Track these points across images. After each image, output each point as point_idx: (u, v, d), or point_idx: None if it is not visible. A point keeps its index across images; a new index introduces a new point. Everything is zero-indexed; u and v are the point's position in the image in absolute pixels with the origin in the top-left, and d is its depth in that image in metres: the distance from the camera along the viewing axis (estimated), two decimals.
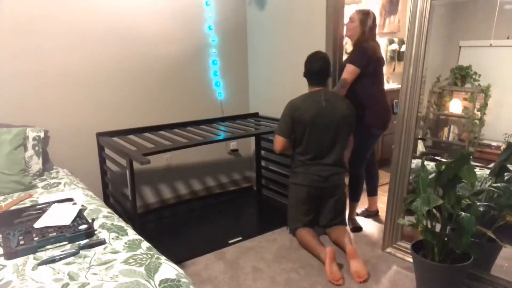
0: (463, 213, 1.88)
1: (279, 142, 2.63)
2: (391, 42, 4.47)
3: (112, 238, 1.67)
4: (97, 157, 2.94)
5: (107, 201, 2.95)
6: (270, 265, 2.45)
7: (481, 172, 2.19)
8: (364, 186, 3.06)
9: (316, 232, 2.65)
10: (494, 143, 2.53)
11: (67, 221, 1.77)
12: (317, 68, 2.54)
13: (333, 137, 2.57)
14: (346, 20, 2.85)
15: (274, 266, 2.43)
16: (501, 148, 2.42)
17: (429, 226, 2.03)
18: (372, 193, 3.09)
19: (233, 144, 3.65)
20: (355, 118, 2.62)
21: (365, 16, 2.69)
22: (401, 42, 4.47)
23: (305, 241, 2.59)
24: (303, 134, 2.58)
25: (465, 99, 2.71)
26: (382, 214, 3.05)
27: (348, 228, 2.81)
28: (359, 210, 3.12)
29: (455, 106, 2.80)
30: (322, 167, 2.60)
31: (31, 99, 2.64)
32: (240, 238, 2.77)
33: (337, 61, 2.88)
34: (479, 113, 2.62)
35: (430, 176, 2.08)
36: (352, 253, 2.35)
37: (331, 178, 2.61)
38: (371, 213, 3.11)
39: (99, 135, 2.89)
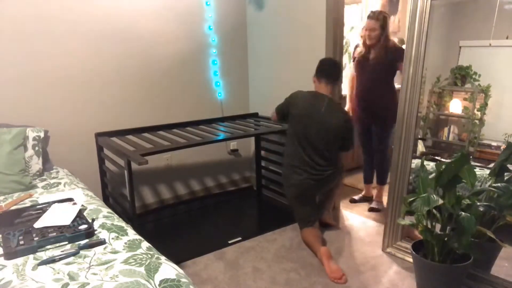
0: (463, 213, 1.88)
1: (274, 115, 2.83)
2: None
3: (112, 238, 1.66)
4: (97, 157, 2.94)
5: (106, 202, 2.94)
6: (270, 265, 2.45)
7: (481, 172, 2.19)
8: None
9: (318, 230, 2.65)
10: (494, 143, 2.53)
11: (67, 221, 1.76)
12: (328, 62, 2.63)
13: (321, 144, 2.55)
14: (346, 20, 2.87)
15: (274, 266, 2.43)
16: (501, 148, 2.42)
17: (429, 226, 2.03)
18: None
19: (233, 144, 3.65)
20: (350, 132, 2.59)
21: (384, 19, 2.83)
22: (401, 42, 4.46)
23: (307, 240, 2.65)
24: (294, 128, 2.62)
25: (465, 99, 2.71)
26: (382, 214, 3.06)
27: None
28: (357, 196, 3.43)
29: (455, 106, 2.80)
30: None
31: (31, 99, 2.64)
32: (240, 238, 2.76)
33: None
34: (479, 113, 2.62)
35: (430, 176, 2.08)
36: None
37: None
38: (367, 198, 3.39)
39: (98, 135, 2.89)
